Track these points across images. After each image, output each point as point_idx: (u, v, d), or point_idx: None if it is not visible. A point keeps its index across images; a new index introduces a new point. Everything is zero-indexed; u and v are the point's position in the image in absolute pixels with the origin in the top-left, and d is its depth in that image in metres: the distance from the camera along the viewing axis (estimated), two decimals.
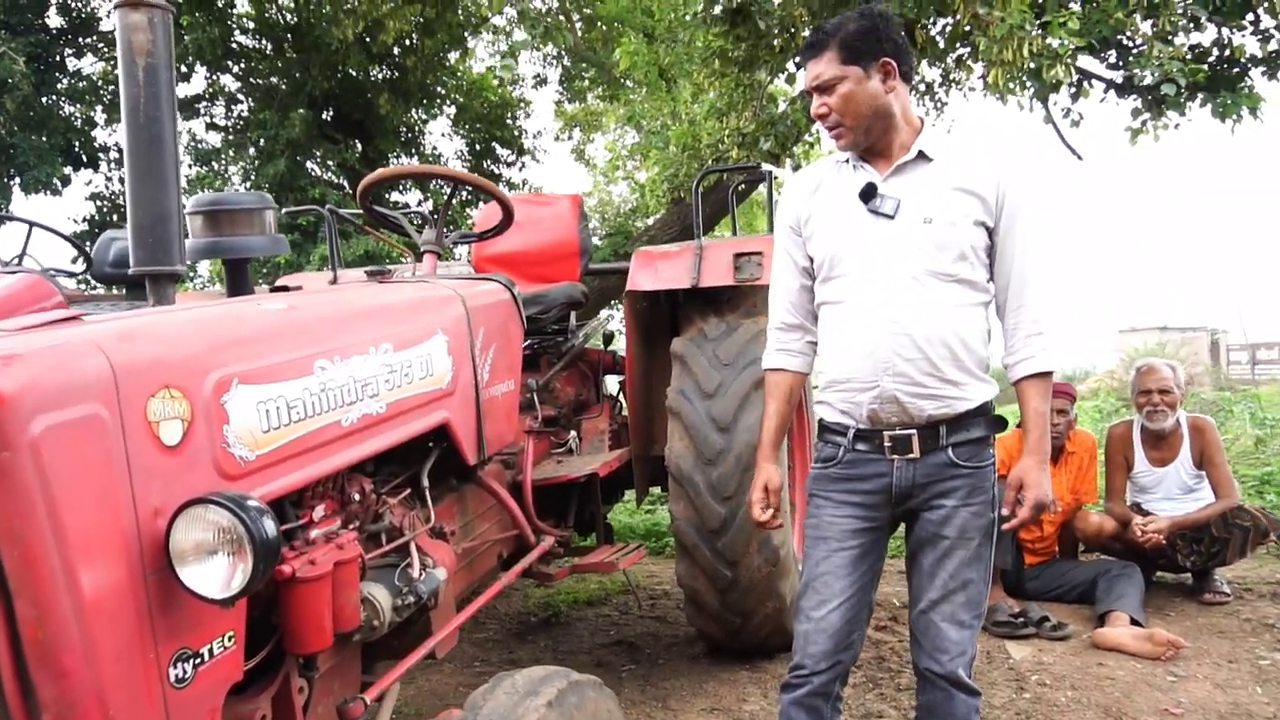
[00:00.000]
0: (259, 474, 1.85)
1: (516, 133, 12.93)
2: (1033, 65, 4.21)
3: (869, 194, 2.15)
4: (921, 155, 2.16)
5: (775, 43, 5.30)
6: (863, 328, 2.15)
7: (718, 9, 4.83)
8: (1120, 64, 4.93)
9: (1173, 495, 4.40)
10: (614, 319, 8.89)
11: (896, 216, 2.13)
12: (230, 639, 1.76)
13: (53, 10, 10.82)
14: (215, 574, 1.60)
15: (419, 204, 12.00)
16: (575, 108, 13.90)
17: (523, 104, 13.05)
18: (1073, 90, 4.68)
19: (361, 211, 3.42)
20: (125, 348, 1.61)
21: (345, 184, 11.48)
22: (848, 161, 2.24)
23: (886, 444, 2.17)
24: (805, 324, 2.36)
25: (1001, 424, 2.25)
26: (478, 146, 12.93)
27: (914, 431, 2.15)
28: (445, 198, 3.21)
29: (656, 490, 4.39)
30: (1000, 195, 2.13)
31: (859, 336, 2.16)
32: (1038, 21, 4.31)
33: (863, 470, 2.21)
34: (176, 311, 1.97)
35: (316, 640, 1.94)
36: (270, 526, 1.60)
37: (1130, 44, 4.87)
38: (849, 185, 2.20)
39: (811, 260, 2.28)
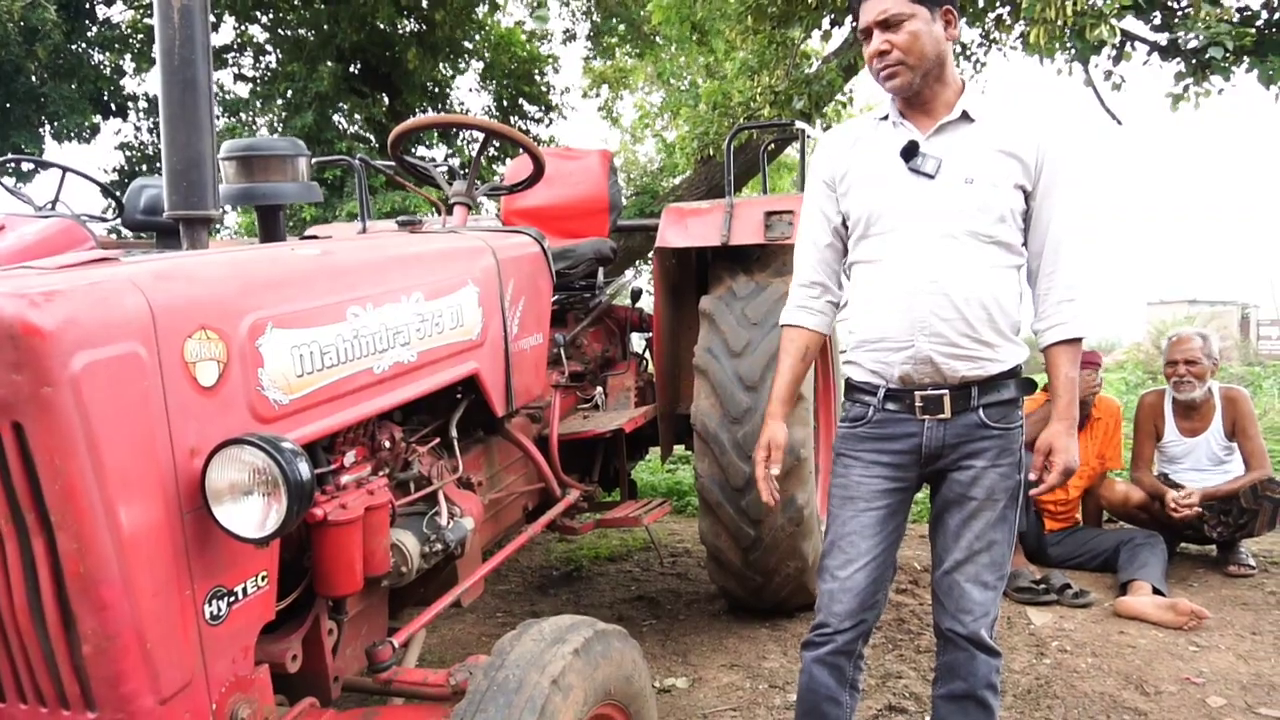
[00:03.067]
0: (292, 418, 1.86)
1: (544, 89, 12.82)
2: (1076, 24, 4.11)
3: (911, 152, 2.11)
4: (964, 115, 2.13)
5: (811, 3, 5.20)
6: (899, 287, 2.13)
7: None
8: (1165, 26, 4.80)
9: (1202, 466, 4.36)
10: (640, 276, 8.87)
11: (937, 176, 2.09)
12: (263, 579, 1.79)
13: None
14: (250, 514, 1.62)
15: (445, 158, 11.97)
16: (603, 65, 13.75)
17: (551, 60, 12.91)
18: (1113, 53, 4.56)
19: (391, 163, 3.41)
20: (163, 287, 1.62)
21: (372, 137, 11.45)
22: (887, 119, 2.20)
23: (917, 404, 2.16)
24: (829, 283, 2.33)
25: (1031, 386, 2.24)
26: (505, 102, 12.82)
27: (946, 391, 2.13)
28: (476, 150, 3.19)
29: (679, 449, 4.40)
30: (1039, 159, 2.10)
31: (895, 295, 2.13)
32: None
33: (892, 430, 2.20)
34: (212, 254, 1.98)
35: (347, 583, 1.96)
36: (305, 469, 1.62)
37: (1175, 5, 4.74)
38: (889, 142, 2.16)
39: (844, 218, 2.25)
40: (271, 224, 2.66)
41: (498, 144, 12.75)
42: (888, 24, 2.07)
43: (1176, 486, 4.28)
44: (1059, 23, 4.15)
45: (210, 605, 1.67)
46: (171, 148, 2.19)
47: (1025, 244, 2.17)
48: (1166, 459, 4.51)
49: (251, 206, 2.85)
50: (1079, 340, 2.17)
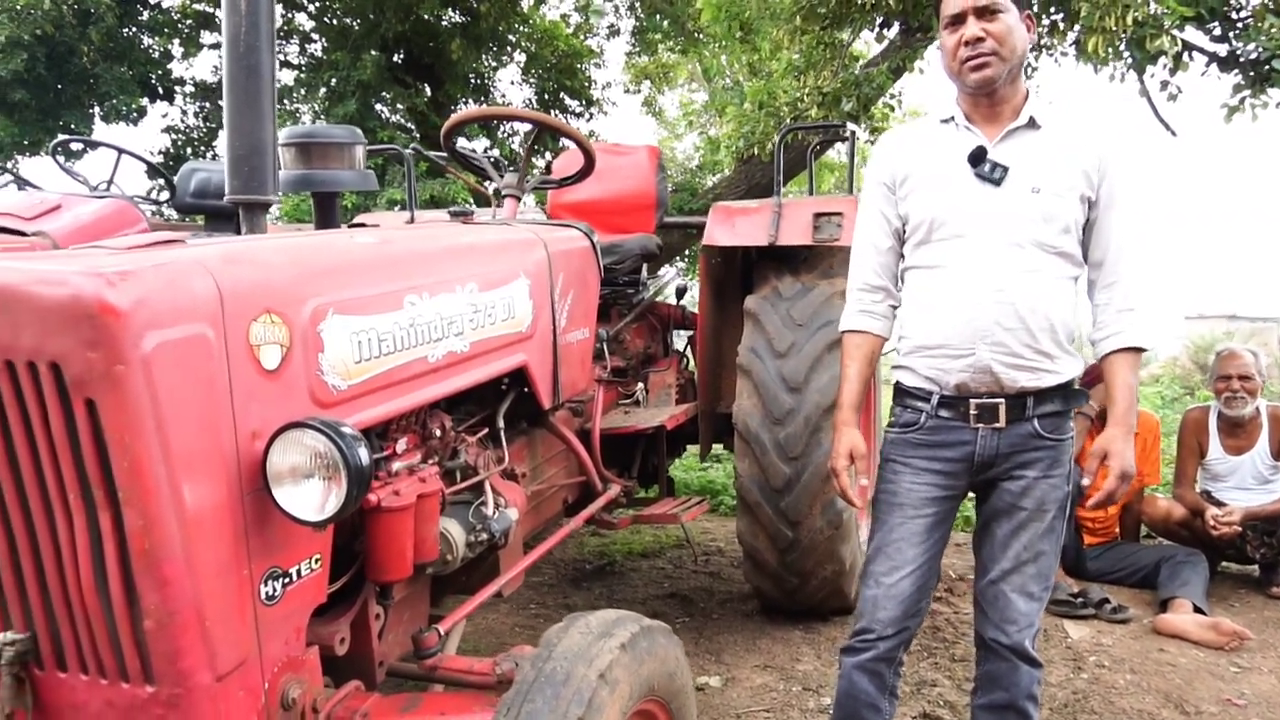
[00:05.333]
0: (350, 403, 1.88)
1: (586, 83, 12.83)
2: (1135, 34, 4.05)
3: (978, 158, 2.09)
4: (1031, 122, 2.11)
5: (866, 1, 5.16)
6: (962, 294, 2.10)
7: None
8: (1224, 37, 4.73)
9: (1246, 485, 4.29)
10: (681, 274, 8.85)
11: (1004, 184, 2.07)
12: (317, 561, 1.81)
13: None
14: (310, 497, 1.64)
15: (485, 150, 12.02)
16: (646, 60, 13.74)
17: (594, 55, 12.92)
18: (1170, 63, 4.50)
19: (441, 153, 3.43)
20: (230, 271, 1.64)
21: (413, 128, 11.51)
22: (950, 120, 2.18)
23: (972, 412, 2.14)
24: (889, 286, 2.32)
25: (1083, 398, 2.22)
26: (546, 95, 12.86)
27: (1002, 400, 2.11)
28: (527, 144, 3.20)
29: (716, 447, 4.39)
30: (1102, 170, 2.09)
31: (957, 302, 2.11)
32: None
33: (945, 437, 2.18)
34: (275, 239, 2.00)
35: (397, 569, 1.98)
36: (364, 454, 1.63)
37: (1235, 16, 4.66)
38: (955, 146, 2.14)
39: (904, 221, 2.23)
40: (328, 210, 2.68)
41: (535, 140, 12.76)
42: (985, 10, 2.04)
43: (1219, 504, 4.22)
44: (1118, 31, 4.10)
45: (266, 585, 1.69)
46: (234, 133, 2.21)
47: (1085, 255, 2.15)
48: (1210, 476, 4.44)
49: (308, 193, 2.87)
50: (1139, 350, 2.15)
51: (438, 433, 2.28)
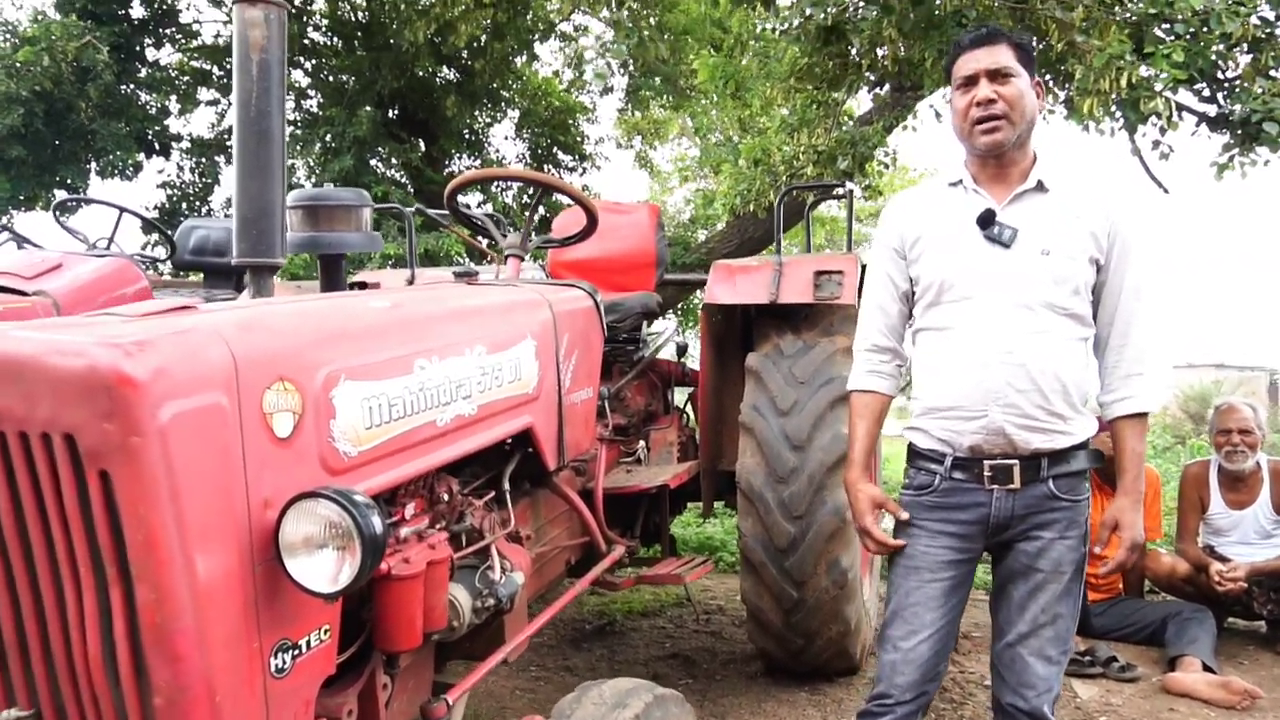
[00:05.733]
0: (360, 470, 1.86)
1: (579, 138, 12.98)
2: (1130, 96, 4.13)
3: (988, 220, 2.11)
4: (1040, 185, 2.13)
5: (862, 61, 5.26)
6: (974, 356, 2.11)
7: (811, 26, 4.81)
8: (1213, 97, 4.83)
9: (1249, 539, 4.28)
10: (677, 329, 8.88)
11: (1013, 246, 2.09)
12: (326, 633, 1.78)
13: (135, 1, 11.07)
14: (323, 568, 1.61)
15: (479, 204, 12.09)
16: (638, 116, 13.91)
17: (586, 110, 13.08)
18: (1160, 124, 4.58)
19: (440, 210, 3.44)
20: (245, 338, 1.64)
21: (408, 182, 11.59)
22: (959, 184, 2.21)
23: (986, 473, 2.13)
24: (896, 347, 2.34)
25: (1099, 459, 2.21)
26: (540, 150, 12.99)
27: (1016, 462, 2.11)
28: (533, 202, 3.22)
29: (716, 504, 4.36)
30: (1112, 232, 2.12)
31: (969, 364, 2.11)
32: (1135, 51, 4.23)
33: (960, 499, 2.17)
34: (287, 303, 2.00)
35: (408, 638, 1.94)
36: (378, 523, 1.61)
37: (1223, 78, 4.76)
38: (963, 209, 2.16)
39: (913, 283, 2.24)
40: (334, 272, 2.69)
41: (531, 194, 12.87)
42: (998, 74, 2.08)
43: (1223, 559, 4.20)
44: (1113, 95, 4.18)
45: (276, 658, 1.65)
46: (243, 196, 2.23)
47: (1094, 315, 2.16)
48: (1212, 531, 4.43)
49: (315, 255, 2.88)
50: (1145, 415, 2.16)
51: (445, 497, 2.26)
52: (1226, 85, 4.77)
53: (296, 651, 1.71)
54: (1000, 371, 2.07)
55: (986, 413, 2.09)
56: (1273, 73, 4.53)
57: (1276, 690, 3.74)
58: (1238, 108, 4.49)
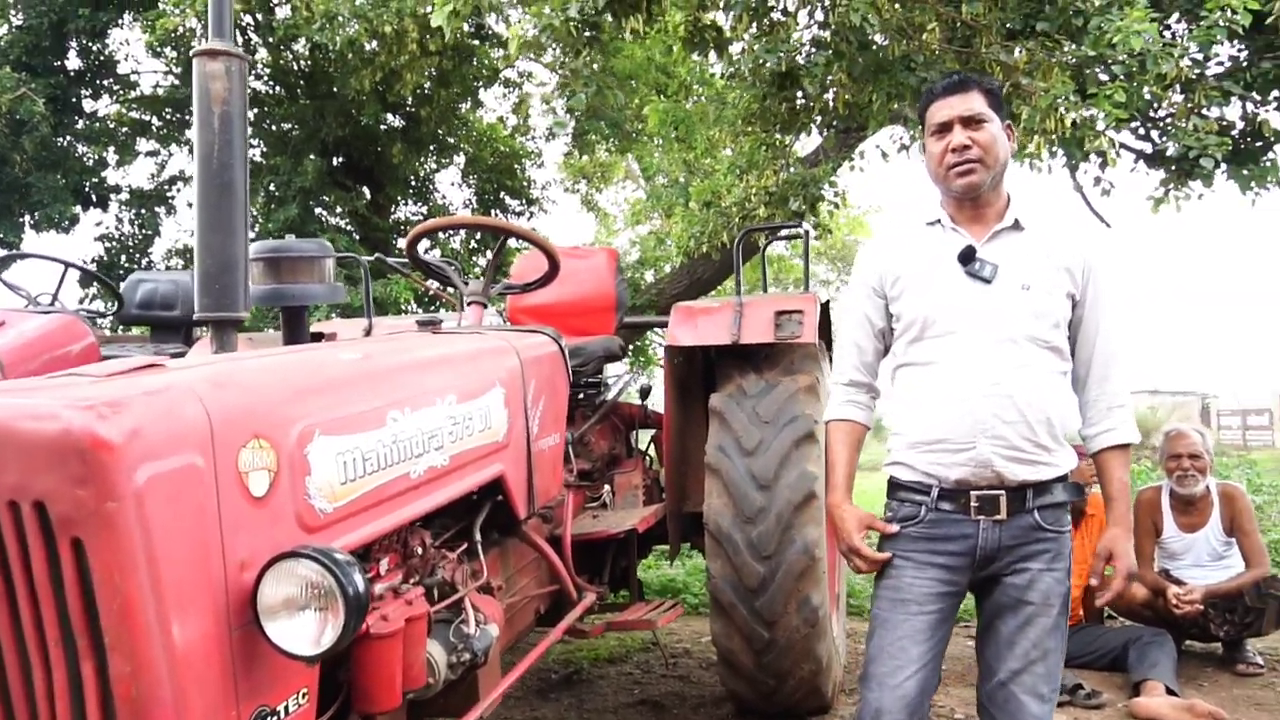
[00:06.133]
0: (335, 526, 1.83)
1: (525, 183, 13.03)
2: (1074, 135, 4.27)
3: (969, 257, 2.16)
4: (1016, 224, 2.19)
5: (813, 105, 5.37)
6: (959, 389, 2.13)
7: (765, 71, 4.91)
8: (1148, 135, 5.02)
9: (1202, 562, 4.37)
10: (636, 373, 8.89)
11: (995, 281, 2.13)
12: (304, 696, 1.73)
13: (72, 53, 10.91)
14: (304, 630, 1.57)
15: (426, 250, 12.02)
16: (584, 160, 14.02)
17: (533, 155, 13.15)
18: (1099, 161, 4.74)
19: (398, 258, 3.43)
20: (220, 396, 1.60)
21: (354, 230, 11.51)
22: (937, 223, 2.25)
23: (973, 504, 2.13)
24: (872, 383, 2.37)
25: (1079, 492, 2.25)
26: (486, 195, 13.01)
27: (1002, 492, 2.12)
28: (494, 248, 3.21)
29: (682, 546, 4.34)
30: (1086, 270, 2.17)
31: (955, 398, 2.13)
32: (1077, 92, 4.38)
33: (947, 530, 2.17)
34: (257, 358, 1.96)
35: (387, 699, 1.89)
36: (360, 581, 1.58)
37: (1156, 117, 4.96)
38: (942, 247, 2.21)
39: (892, 320, 2.28)
40: (297, 324, 2.66)
41: (478, 239, 12.95)
42: (971, 120, 2.13)
43: (1178, 583, 4.28)
44: (1057, 134, 4.32)
45: None
46: (205, 251, 2.20)
47: (1072, 352, 2.21)
48: (1167, 555, 4.52)
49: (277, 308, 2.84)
50: (1129, 446, 2.21)
51: (419, 550, 2.22)
52: (1160, 124, 4.96)
53: (275, 718, 1.65)
54: (987, 404, 2.10)
55: (974, 445, 2.11)
56: (1204, 111, 4.73)
57: (1238, 711, 3.81)
58: (1172, 145, 4.67)
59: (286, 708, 1.68)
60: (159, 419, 1.45)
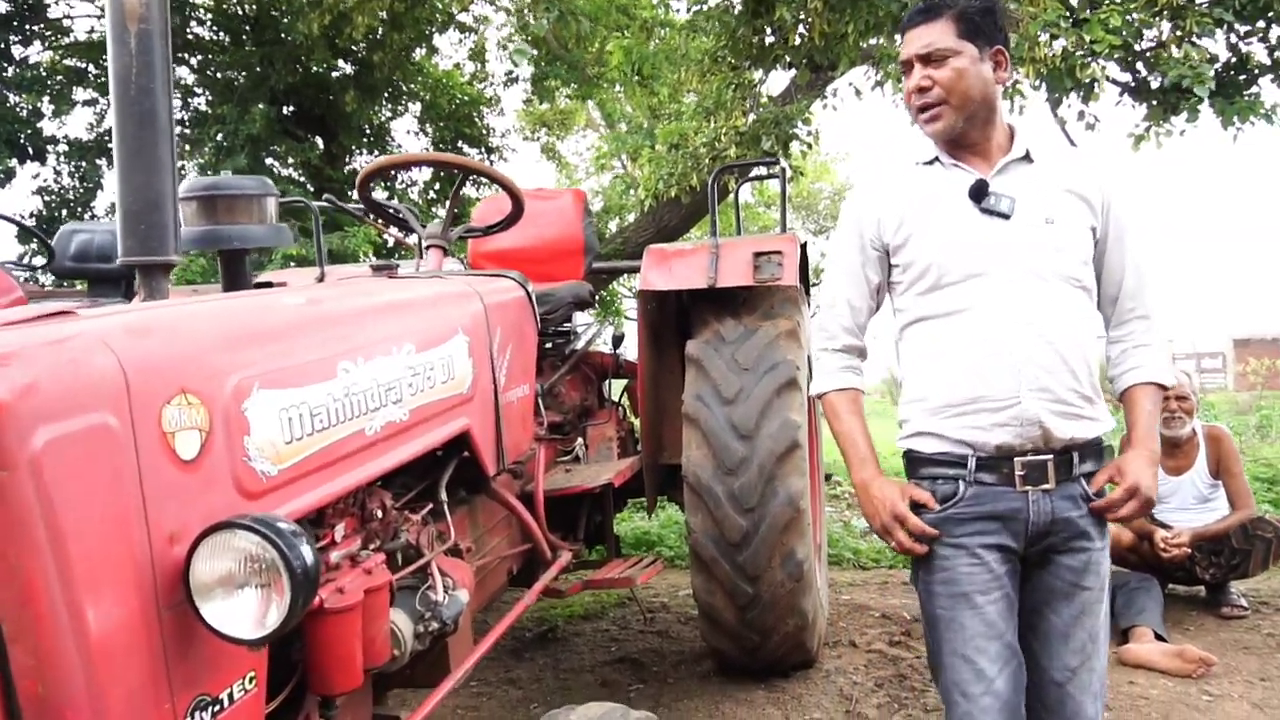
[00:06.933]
0: (281, 490, 1.63)
1: (484, 131, 12.65)
2: (1065, 63, 4.08)
3: (981, 191, 1.91)
4: (1027, 155, 1.95)
5: (788, 37, 5.12)
6: (993, 335, 1.87)
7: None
8: (1131, 66, 4.84)
9: (1187, 505, 4.29)
10: (607, 322, 8.69)
11: (1014, 216, 1.89)
12: (251, 681, 1.54)
13: None
14: (244, 610, 1.38)
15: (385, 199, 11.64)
16: (544, 108, 13.64)
17: (493, 102, 12.76)
18: (1082, 93, 4.55)
19: (353, 204, 3.19)
20: (137, 346, 1.38)
21: (307, 182, 11.11)
22: (935, 162, 2.00)
23: (1018, 472, 1.87)
24: (861, 344, 2.14)
25: (1111, 454, 2.02)
26: (444, 144, 12.61)
27: (1049, 457, 1.87)
28: (453, 189, 2.98)
29: (659, 499, 4.18)
30: (1105, 201, 1.95)
31: (989, 348, 1.87)
32: (1066, 16, 4.17)
33: (993, 506, 1.90)
34: (185, 305, 1.73)
35: (346, 679, 1.71)
36: (308, 553, 1.39)
37: (1140, 49, 4.77)
38: (946, 185, 1.96)
39: (889, 274, 2.04)
40: (236, 270, 2.41)
41: (436, 190, 12.58)
42: (930, 58, 1.89)
43: (1164, 526, 4.21)
44: (1046, 63, 4.12)
45: (193, 718, 1.41)
46: (127, 187, 1.95)
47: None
48: None
49: (208, 251, 2.59)
50: (1159, 385, 1.99)
51: (378, 513, 2.03)
52: (1146, 55, 4.79)
53: (218, 707, 1.46)
54: (1027, 349, 1.86)
55: (1018, 399, 1.86)
56: (1195, 39, 4.55)
57: (1227, 655, 3.75)
58: (1158, 77, 4.50)
59: (230, 695, 1.49)
60: (60, 373, 1.24)
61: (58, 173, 11.10)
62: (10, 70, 10.42)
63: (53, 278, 5.54)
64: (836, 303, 2.12)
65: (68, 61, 11.18)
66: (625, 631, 4.42)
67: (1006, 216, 1.89)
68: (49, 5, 10.85)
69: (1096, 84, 4.39)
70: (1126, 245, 1.98)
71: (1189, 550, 4.07)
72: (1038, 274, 1.88)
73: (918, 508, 1.95)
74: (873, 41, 5.44)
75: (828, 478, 5.02)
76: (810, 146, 6.02)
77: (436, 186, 11.91)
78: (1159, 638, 3.73)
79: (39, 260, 8.86)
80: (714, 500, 3.22)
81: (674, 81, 9.08)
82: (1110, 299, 2.00)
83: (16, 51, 10.72)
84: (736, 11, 4.83)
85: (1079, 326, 1.91)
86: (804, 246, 3.73)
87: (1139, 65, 4.78)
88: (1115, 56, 4.34)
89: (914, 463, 2.01)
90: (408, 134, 13.83)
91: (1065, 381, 1.87)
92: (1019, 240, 1.89)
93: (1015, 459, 1.88)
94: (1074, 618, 1.92)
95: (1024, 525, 1.89)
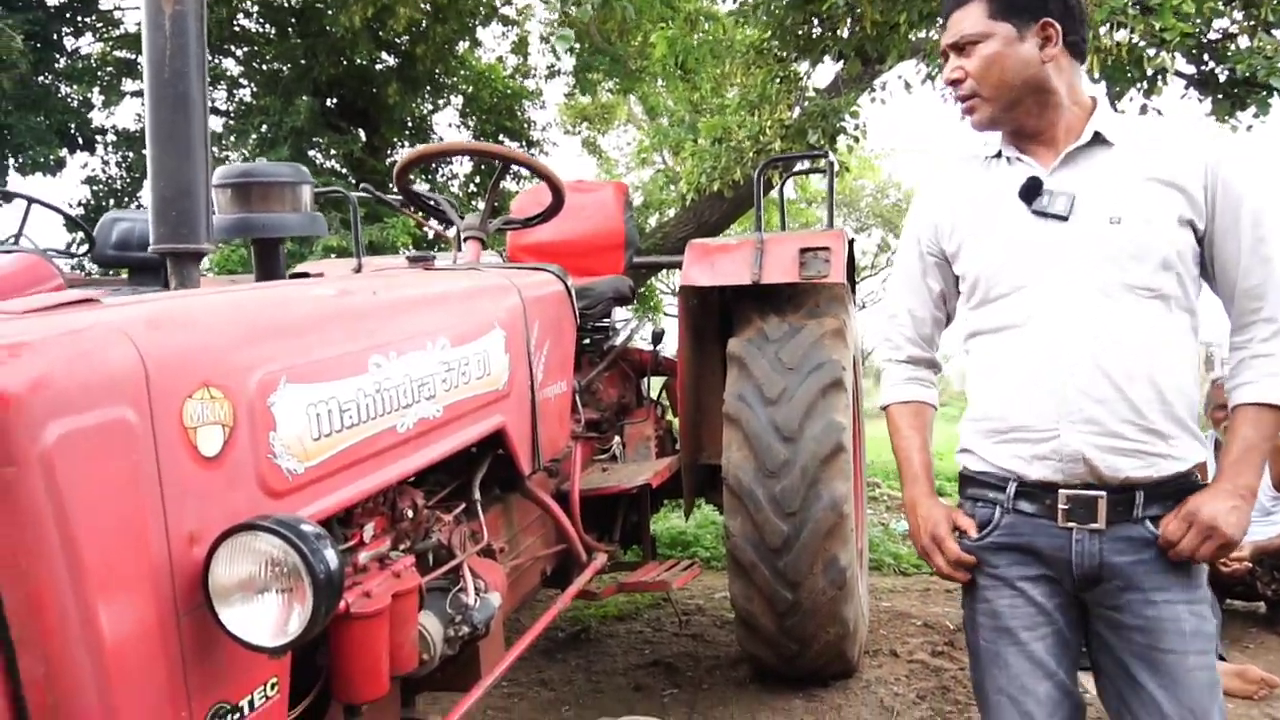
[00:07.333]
0: (308, 489, 1.56)
1: (525, 124, 12.61)
2: (1134, 54, 3.90)
3: (1032, 190, 1.69)
4: (1099, 139, 1.69)
5: (837, 26, 5.00)
6: (1035, 360, 1.68)
7: None
8: (1199, 58, 4.64)
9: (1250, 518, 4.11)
10: (645, 319, 8.60)
11: (1072, 217, 1.66)
12: (273, 687, 1.48)
13: None
14: (265, 616, 1.31)
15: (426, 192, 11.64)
16: (585, 101, 13.58)
17: (534, 95, 12.71)
18: (1143, 86, 4.36)
19: (391, 196, 3.14)
20: (158, 337, 1.32)
21: (349, 174, 11.16)
22: (999, 155, 1.81)
23: (1061, 506, 1.65)
24: (934, 359, 1.98)
25: None
26: (485, 138, 12.59)
27: (1102, 494, 1.63)
28: (492, 179, 2.91)
29: (696, 500, 4.10)
30: (1211, 185, 1.64)
31: (1031, 373, 1.68)
32: (1136, 4, 3.98)
33: (1030, 539, 1.71)
34: (210, 295, 1.67)
35: (372, 688, 1.65)
36: (332, 558, 1.32)
37: (1207, 40, 4.56)
38: (1005, 183, 1.75)
39: (955, 283, 1.87)
40: (270, 259, 2.36)
41: (475, 183, 12.57)
42: (958, 46, 1.71)
43: None
44: (1113, 52, 3.95)
45: None
46: (160, 172, 1.89)
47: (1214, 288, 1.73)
48: None
49: (247, 240, 2.55)
50: (1274, 406, 1.63)
51: (409, 513, 1.96)
52: (1215, 46, 4.59)
53: (237, 715, 1.40)
54: (1071, 378, 1.63)
55: (1057, 433, 1.65)
56: (1273, 29, 4.33)
57: None
58: (1228, 68, 4.31)
59: (251, 702, 1.43)
60: (76, 364, 1.18)
61: (105, 163, 11.25)
62: (62, 61, 10.56)
63: (96, 266, 5.58)
64: (898, 313, 1.97)
65: (118, 53, 11.31)
66: (659, 634, 4.34)
67: (1063, 218, 1.66)
68: None
69: (1161, 76, 4.20)
70: (1245, 234, 1.64)
71: (1249, 565, 3.91)
72: (1097, 287, 1.64)
73: (962, 533, 1.81)
74: (921, 34, 5.29)
75: None
76: (857, 140, 5.89)
77: (476, 180, 11.91)
78: (1219, 657, 3.57)
79: (84, 249, 8.96)
80: (755, 503, 3.13)
81: (717, 75, 8.97)
82: (1229, 299, 1.69)
83: (68, 43, 10.87)
84: (785, 1, 4.69)
85: (1152, 349, 1.62)
86: (851, 243, 3.62)
87: (1205, 57, 4.58)
88: (1185, 46, 4.14)
89: (963, 481, 1.85)
90: (449, 127, 13.83)
91: (1120, 413, 1.61)
92: (1076, 246, 1.66)
93: (1060, 490, 1.66)
94: (1160, 688, 1.62)
95: (1067, 567, 1.67)
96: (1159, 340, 1.63)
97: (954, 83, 1.75)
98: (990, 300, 1.76)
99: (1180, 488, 1.64)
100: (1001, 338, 1.74)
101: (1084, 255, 1.65)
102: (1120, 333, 1.62)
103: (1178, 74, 4.68)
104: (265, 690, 1.46)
